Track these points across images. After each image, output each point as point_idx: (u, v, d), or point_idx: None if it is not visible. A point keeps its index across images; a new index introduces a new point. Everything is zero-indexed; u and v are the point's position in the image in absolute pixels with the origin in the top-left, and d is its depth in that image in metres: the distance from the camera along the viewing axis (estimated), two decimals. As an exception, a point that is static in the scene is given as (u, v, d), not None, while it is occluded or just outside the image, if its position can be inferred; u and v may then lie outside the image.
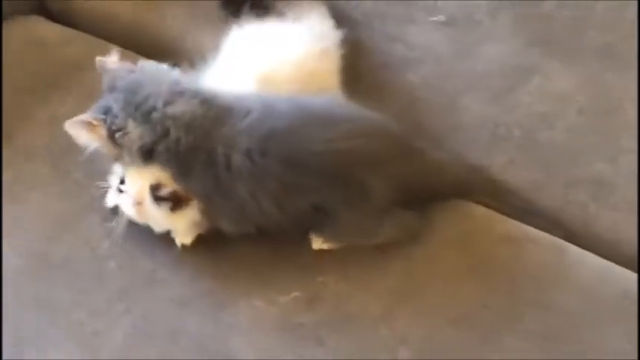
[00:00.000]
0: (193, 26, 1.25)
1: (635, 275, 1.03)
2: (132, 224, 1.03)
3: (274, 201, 0.97)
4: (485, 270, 1.02)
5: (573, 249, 1.05)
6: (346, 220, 0.99)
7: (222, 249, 1.03)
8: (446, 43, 1.20)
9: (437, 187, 1.06)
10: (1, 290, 1.01)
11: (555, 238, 1.06)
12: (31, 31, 1.28)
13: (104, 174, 1.06)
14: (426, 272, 1.02)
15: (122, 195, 1.03)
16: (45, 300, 1.01)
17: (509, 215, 1.08)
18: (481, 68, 1.18)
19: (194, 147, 0.96)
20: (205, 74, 1.08)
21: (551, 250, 1.05)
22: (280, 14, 1.15)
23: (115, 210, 1.04)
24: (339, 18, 1.19)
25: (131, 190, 1.01)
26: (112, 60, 1.02)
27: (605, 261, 1.04)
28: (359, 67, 1.17)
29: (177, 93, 0.98)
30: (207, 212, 1.00)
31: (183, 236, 1.03)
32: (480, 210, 1.08)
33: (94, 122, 0.97)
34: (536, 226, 1.07)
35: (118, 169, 1.05)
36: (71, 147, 1.00)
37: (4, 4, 1.28)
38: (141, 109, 0.97)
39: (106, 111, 0.98)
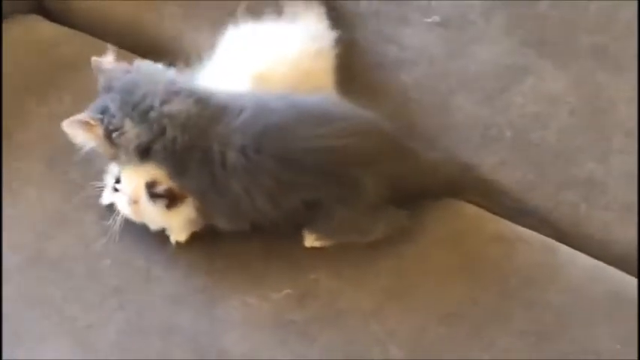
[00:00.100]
0: (191, 26, 1.26)
1: (625, 275, 1.04)
2: (127, 222, 1.03)
3: (268, 197, 0.98)
4: (476, 268, 1.03)
5: (564, 249, 1.06)
6: (339, 217, 1.00)
7: (216, 247, 1.04)
8: (439, 44, 1.20)
9: (429, 185, 1.07)
10: (0, 287, 1.02)
11: (546, 237, 1.06)
12: (30, 30, 1.29)
13: (100, 173, 1.07)
14: (417, 270, 1.03)
15: (118, 194, 1.03)
16: (39, 295, 1.02)
17: (500, 215, 1.08)
18: (474, 69, 1.18)
19: (190, 146, 0.97)
20: (201, 73, 1.08)
21: (542, 249, 1.05)
22: (277, 14, 1.15)
23: (111, 208, 1.05)
24: (335, 18, 1.19)
25: (127, 188, 1.02)
26: (107, 60, 1.03)
27: (596, 261, 1.05)
28: (353, 67, 1.18)
29: (174, 92, 0.99)
30: (202, 209, 1.01)
31: (178, 234, 1.04)
32: (471, 209, 1.08)
33: (92, 122, 0.98)
34: (527, 226, 1.07)
35: (113, 168, 1.06)
36: (68, 145, 1.00)
37: (4, 3, 1.29)
38: (138, 109, 0.97)
39: (103, 111, 0.98)
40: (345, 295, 1.01)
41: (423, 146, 1.08)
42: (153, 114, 0.97)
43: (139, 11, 1.30)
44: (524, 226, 1.07)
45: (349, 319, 0.99)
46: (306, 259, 1.03)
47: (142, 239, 1.05)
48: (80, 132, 0.98)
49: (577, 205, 1.09)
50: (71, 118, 0.98)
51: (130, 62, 1.03)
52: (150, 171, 1.00)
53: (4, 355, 0.97)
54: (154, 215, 1.02)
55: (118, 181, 1.04)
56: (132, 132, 0.97)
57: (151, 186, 1.00)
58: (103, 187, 1.07)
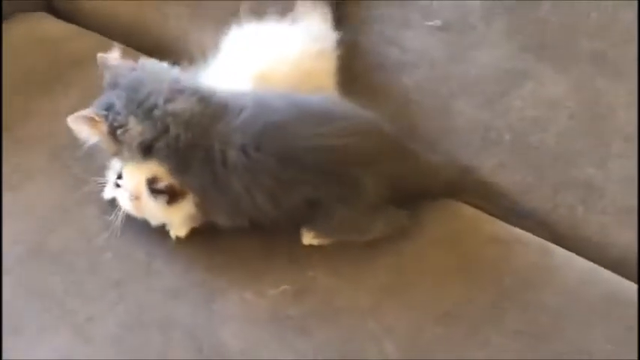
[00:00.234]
0: (195, 26, 1.27)
1: (620, 278, 1.04)
2: (128, 217, 1.04)
3: (269, 196, 0.98)
4: (473, 269, 1.03)
5: (560, 251, 1.06)
6: (339, 216, 1.00)
7: (215, 242, 1.04)
8: (440, 48, 1.21)
9: (428, 186, 1.08)
10: (0, 279, 1.03)
11: (543, 240, 1.07)
12: (37, 27, 1.30)
13: (102, 169, 1.08)
14: (415, 269, 1.03)
15: (119, 189, 1.04)
16: (40, 288, 1.02)
17: (498, 216, 1.09)
18: (475, 73, 1.19)
19: (192, 144, 0.98)
20: (205, 73, 1.09)
21: (539, 251, 1.06)
22: (279, 14, 1.16)
23: (113, 203, 1.05)
24: (338, 20, 1.20)
25: (128, 184, 1.03)
26: (113, 56, 1.04)
27: (591, 263, 1.06)
28: (355, 68, 1.19)
29: (177, 91, 1.00)
30: (202, 206, 1.02)
31: (178, 229, 1.05)
32: (469, 210, 1.09)
33: (96, 118, 0.98)
34: (525, 228, 1.08)
35: (115, 164, 1.07)
36: (71, 140, 1.01)
37: (12, 2, 1.30)
38: (142, 107, 0.98)
39: (109, 107, 0.99)
40: (343, 293, 1.01)
41: (423, 148, 1.08)
42: (157, 112, 0.98)
43: (144, 11, 1.32)
44: (522, 228, 1.08)
45: (346, 316, 0.99)
46: (305, 257, 1.03)
47: (143, 234, 1.05)
48: (85, 127, 0.99)
49: (575, 207, 1.10)
50: (76, 114, 0.99)
51: (136, 60, 1.05)
52: (151, 168, 1.01)
53: (5, 347, 0.98)
54: (154, 211, 1.03)
55: (119, 176, 1.05)
56: (136, 129, 0.98)
57: (152, 182, 1.01)
58: (104, 182, 1.08)
